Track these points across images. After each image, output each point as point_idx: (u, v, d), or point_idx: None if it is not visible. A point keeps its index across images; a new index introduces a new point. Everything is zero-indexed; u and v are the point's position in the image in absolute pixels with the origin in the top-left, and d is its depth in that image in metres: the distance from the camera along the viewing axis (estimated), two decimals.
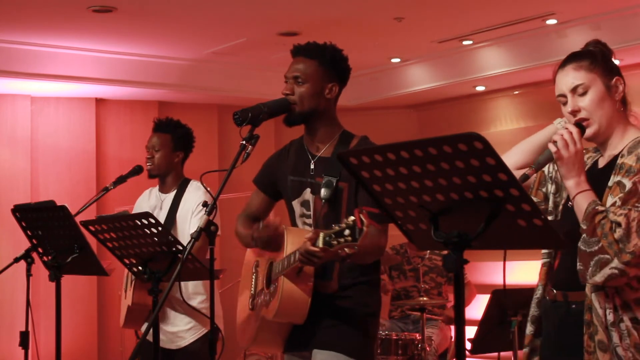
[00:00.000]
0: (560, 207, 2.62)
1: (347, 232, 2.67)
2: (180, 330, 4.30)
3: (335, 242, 2.68)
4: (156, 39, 6.63)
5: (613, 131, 2.55)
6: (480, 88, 7.63)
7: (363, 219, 2.61)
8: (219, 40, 6.71)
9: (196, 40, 6.71)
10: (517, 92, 7.66)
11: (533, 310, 2.69)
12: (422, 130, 8.39)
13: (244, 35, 6.55)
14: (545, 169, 2.68)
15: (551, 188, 2.66)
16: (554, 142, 2.44)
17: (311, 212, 3.12)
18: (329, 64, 3.11)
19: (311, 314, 3.04)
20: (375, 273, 3.18)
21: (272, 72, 6.97)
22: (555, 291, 2.59)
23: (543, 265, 2.67)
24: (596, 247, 2.34)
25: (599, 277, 2.33)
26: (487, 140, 1.75)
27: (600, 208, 2.37)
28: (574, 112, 2.53)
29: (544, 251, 2.66)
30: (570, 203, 2.46)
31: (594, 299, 2.41)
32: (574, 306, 2.51)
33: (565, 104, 2.57)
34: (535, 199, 2.68)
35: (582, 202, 2.41)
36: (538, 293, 2.68)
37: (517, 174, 2.60)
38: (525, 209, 1.84)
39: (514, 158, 2.73)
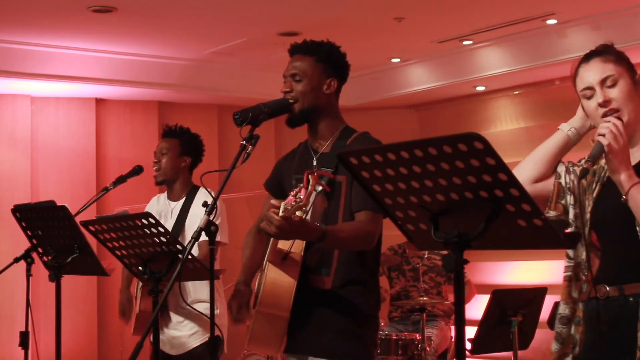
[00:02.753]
0: (588, 214, 2.57)
1: (299, 196, 2.72)
2: (183, 335, 4.29)
3: (289, 207, 2.69)
4: (156, 39, 6.63)
5: (638, 127, 2.53)
6: (480, 88, 7.64)
7: (311, 179, 2.63)
8: (219, 40, 6.71)
9: (196, 40, 6.72)
10: (517, 92, 7.66)
11: (558, 327, 2.61)
12: (422, 130, 8.40)
13: (244, 35, 6.55)
14: (562, 180, 2.63)
15: (570, 199, 2.61)
16: (602, 135, 2.39)
17: (310, 208, 3.11)
18: (325, 59, 3.12)
19: (305, 311, 3.01)
20: (373, 273, 3.13)
21: (272, 72, 6.96)
22: (607, 287, 2.51)
23: (565, 279, 2.59)
24: None
25: None
26: (487, 140, 1.75)
27: None
28: (605, 103, 2.49)
29: (567, 264, 2.59)
30: (624, 198, 2.39)
31: None
32: (631, 299, 2.45)
33: (590, 97, 2.53)
34: (554, 212, 2.62)
35: (639, 194, 2.36)
36: (561, 310, 2.60)
37: (533, 188, 2.58)
38: (525, 209, 1.83)
39: (528, 172, 2.64)
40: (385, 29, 6.39)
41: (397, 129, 8.15)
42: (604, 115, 2.48)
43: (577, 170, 2.63)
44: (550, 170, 2.66)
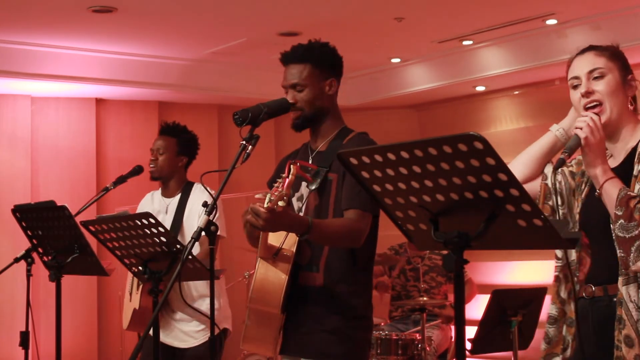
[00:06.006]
0: (577, 215, 2.57)
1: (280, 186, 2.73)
2: (191, 330, 4.32)
3: (272, 198, 2.68)
4: (156, 39, 6.63)
5: (622, 125, 2.52)
6: (480, 88, 7.63)
7: (292, 168, 2.63)
8: (219, 40, 6.71)
9: (196, 40, 6.72)
10: (517, 92, 7.66)
11: (547, 327, 2.63)
12: (422, 130, 8.40)
13: (244, 35, 6.55)
14: (549, 181, 2.63)
15: (558, 200, 2.62)
16: (580, 128, 2.40)
17: (304, 204, 3.09)
18: (320, 62, 3.11)
19: (296, 310, 3.00)
20: (365, 273, 3.11)
21: (272, 72, 6.93)
22: (594, 288, 2.52)
23: (555, 279, 2.60)
24: (636, 232, 2.31)
25: None
26: (487, 140, 1.75)
27: (632, 193, 2.34)
28: (587, 94, 2.50)
29: (556, 264, 2.60)
30: (597, 193, 2.40)
31: (624, 292, 2.38)
32: (615, 299, 2.44)
33: (576, 87, 2.54)
34: None
35: (612, 189, 2.37)
36: (550, 310, 2.62)
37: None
38: (525, 209, 1.83)
39: (516, 173, 2.67)
40: (385, 29, 6.39)
41: (397, 129, 8.15)
42: (585, 106, 2.49)
43: (567, 170, 2.64)
44: (539, 171, 2.67)
